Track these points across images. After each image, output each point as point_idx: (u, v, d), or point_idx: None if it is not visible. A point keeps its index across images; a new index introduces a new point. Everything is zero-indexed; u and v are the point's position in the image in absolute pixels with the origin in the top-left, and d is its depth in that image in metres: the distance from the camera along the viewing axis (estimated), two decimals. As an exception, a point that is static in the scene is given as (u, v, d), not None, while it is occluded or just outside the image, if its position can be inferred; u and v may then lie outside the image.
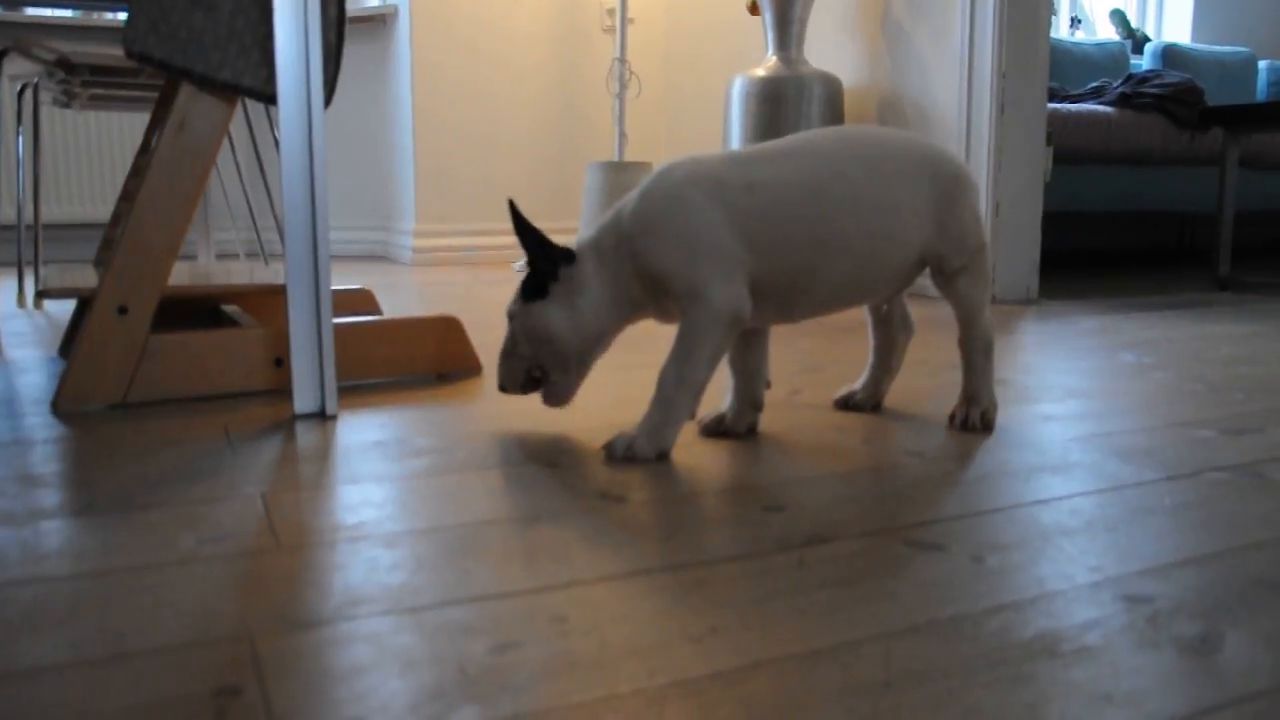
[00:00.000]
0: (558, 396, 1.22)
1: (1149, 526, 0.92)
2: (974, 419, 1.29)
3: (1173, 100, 3.54)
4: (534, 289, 1.17)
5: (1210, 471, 1.10)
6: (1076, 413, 1.39)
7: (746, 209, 1.12)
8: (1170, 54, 4.10)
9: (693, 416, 1.18)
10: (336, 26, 1.39)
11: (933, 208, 1.20)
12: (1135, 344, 1.95)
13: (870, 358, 1.39)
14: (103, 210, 3.99)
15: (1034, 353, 1.84)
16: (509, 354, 1.22)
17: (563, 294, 1.16)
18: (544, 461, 1.14)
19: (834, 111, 3.14)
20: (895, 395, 1.49)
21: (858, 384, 1.40)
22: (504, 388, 1.23)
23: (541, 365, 1.19)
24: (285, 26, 1.30)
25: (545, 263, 1.16)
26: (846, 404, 1.40)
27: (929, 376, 1.65)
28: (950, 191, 1.21)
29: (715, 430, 1.26)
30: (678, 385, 1.12)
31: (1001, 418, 1.36)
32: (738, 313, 1.11)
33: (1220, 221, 3.21)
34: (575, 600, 0.75)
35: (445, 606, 0.74)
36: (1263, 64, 4.40)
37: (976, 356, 1.29)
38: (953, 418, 1.31)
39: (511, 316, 1.20)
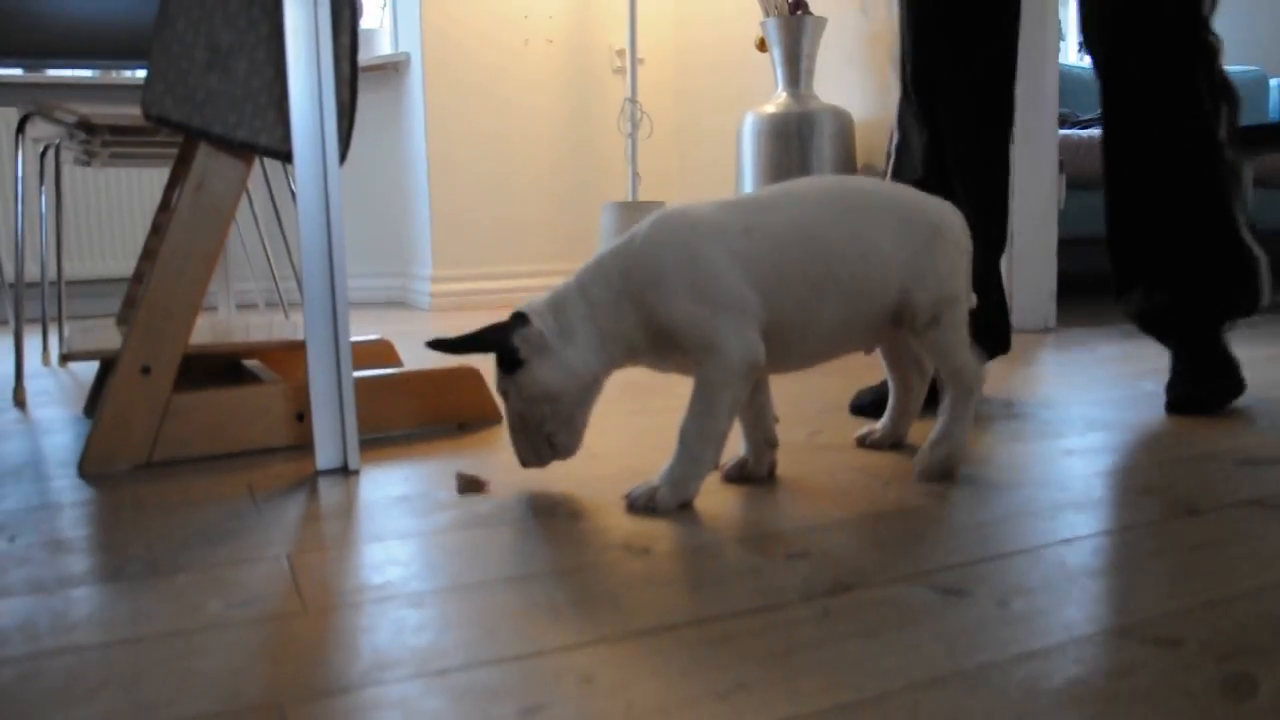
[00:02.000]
0: (566, 449, 1.21)
1: (1175, 565, 0.92)
2: (936, 461, 1.23)
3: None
4: (509, 361, 1.15)
5: (1234, 506, 1.09)
6: (1099, 446, 1.39)
7: (747, 252, 1.13)
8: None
9: (716, 467, 1.19)
10: (350, 84, 1.41)
11: (908, 255, 1.19)
12: (1156, 371, 1.94)
13: (890, 399, 1.39)
14: (124, 265, 4.03)
15: (1054, 384, 1.83)
16: (517, 429, 1.20)
17: (538, 351, 1.14)
18: (566, 513, 1.14)
19: (845, 145, 3.16)
20: (917, 436, 1.49)
21: (878, 424, 1.40)
22: (526, 463, 1.22)
23: (549, 428, 1.18)
24: (300, 86, 1.32)
25: (502, 345, 1.15)
26: (866, 444, 1.40)
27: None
28: (929, 240, 1.20)
29: (738, 477, 1.26)
30: (700, 439, 1.12)
31: (1024, 454, 1.36)
32: (754, 361, 1.12)
33: (1237, 242, 3.19)
34: (602, 658, 0.75)
35: (472, 668, 0.74)
36: (1274, 82, 4.40)
37: (955, 402, 1.24)
38: (915, 458, 1.26)
39: (504, 394, 1.18)
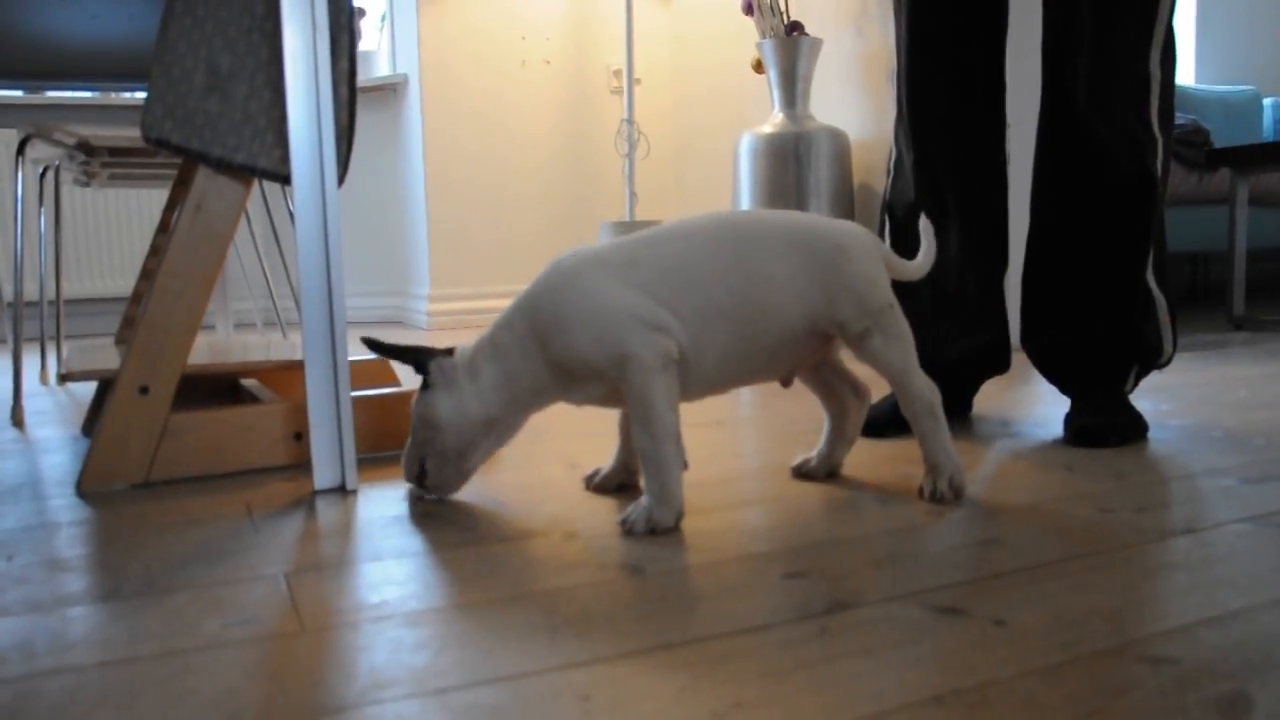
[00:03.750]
0: (437, 486, 1.28)
1: (1171, 584, 0.92)
2: (942, 490, 1.24)
3: (1179, 143, 3.56)
4: (423, 384, 1.25)
5: (1232, 524, 1.10)
6: (1095, 465, 1.39)
7: (632, 279, 1.17)
8: (1176, 95, 4.14)
9: (685, 465, 1.20)
10: (348, 107, 1.42)
11: (815, 279, 1.21)
12: (1152, 390, 1.95)
13: (825, 425, 1.37)
14: (123, 284, 4.04)
15: (1049, 403, 1.84)
16: (408, 445, 1.28)
17: (444, 383, 1.22)
18: (563, 532, 1.14)
19: (842, 165, 3.17)
20: (910, 453, 1.49)
21: (813, 452, 1.38)
22: (405, 476, 1.29)
23: (425, 454, 1.25)
24: (298, 109, 1.33)
25: (412, 363, 1.24)
26: (801, 473, 1.38)
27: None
28: (834, 260, 1.22)
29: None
30: (655, 445, 1.13)
31: (1021, 473, 1.36)
32: (665, 352, 1.14)
33: (1232, 261, 3.21)
34: (599, 678, 0.75)
35: (470, 688, 0.74)
36: (1267, 101, 4.43)
37: (922, 421, 1.26)
38: (921, 491, 1.26)
39: (412, 410, 1.26)
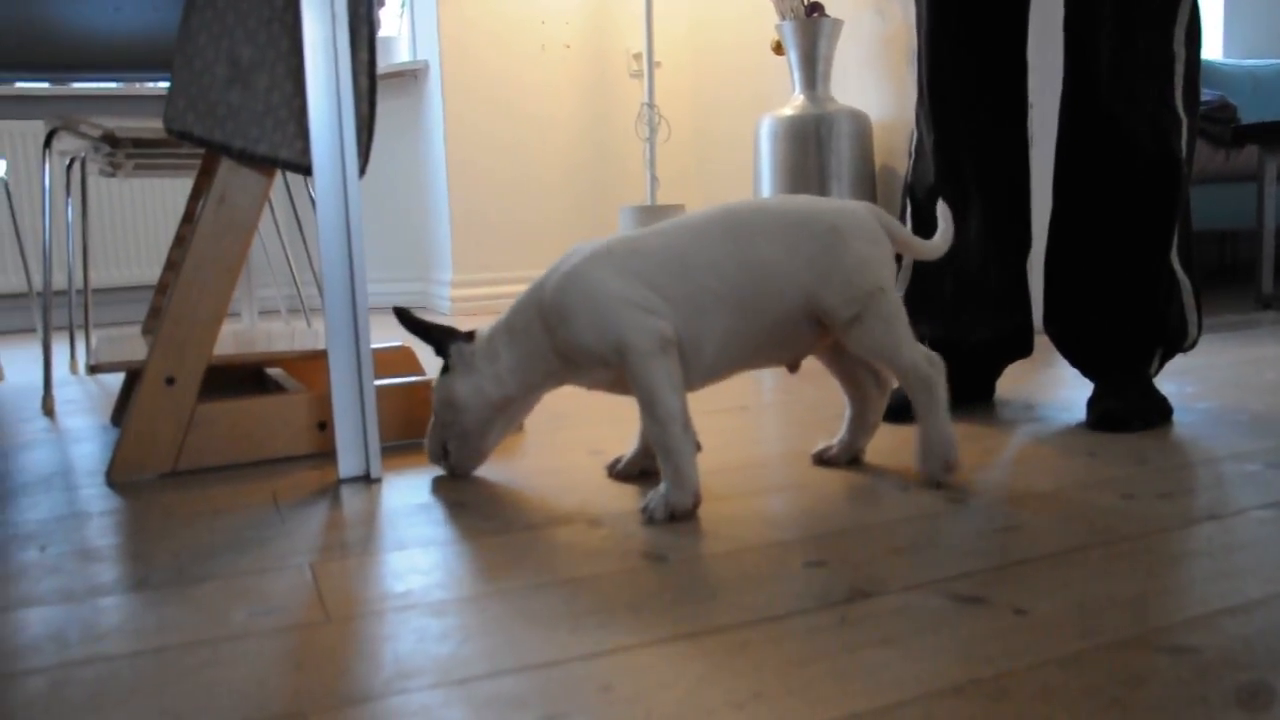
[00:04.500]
0: (460, 465, 1.35)
1: (1194, 571, 0.92)
2: (934, 471, 1.23)
3: (1205, 119, 3.51)
4: (444, 366, 1.31)
5: (1256, 509, 1.09)
6: (1118, 449, 1.38)
7: (632, 269, 1.19)
8: (1201, 71, 4.08)
9: (699, 447, 1.21)
10: (369, 98, 1.42)
11: (807, 261, 1.21)
12: (1177, 372, 1.93)
13: (847, 412, 1.37)
14: (149, 272, 4.08)
15: (1073, 386, 1.83)
16: (431, 426, 1.34)
17: (464, 367, 1.28)
18: (587, 520, 1.15)
19: (863, 147, 3.15)
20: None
21: (835, 439, 1.38)
22: (431, 458, 1.36)
23: (448, 436, 1.32)
24: (319, 100, 1.34)
25: (434, 344, 1.31)
26: (822, 459, 1.38)
27: (960, 421, 1.64)
28: (829, 244, 1.22)
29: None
30: (663, 431, 1.15)
31: (1043, 459, 1.36)
32: (662, 336, 1.16)
33: (1260, 239, 3.18)
34: (620, 667, 0.76)
35: (494, 677, 0.75)
36: (1296, 77, 4.36)
37: (917, 395, 1.23)
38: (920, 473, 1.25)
39: (434, 392, 1.33)
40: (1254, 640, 0.76)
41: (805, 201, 1.27)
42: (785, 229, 1.23)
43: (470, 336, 1.30)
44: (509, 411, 1.31)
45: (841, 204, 1.28)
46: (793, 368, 1.32)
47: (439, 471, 1.39)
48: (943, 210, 1.36)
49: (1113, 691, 0.69)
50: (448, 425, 1.31)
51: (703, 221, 1.25)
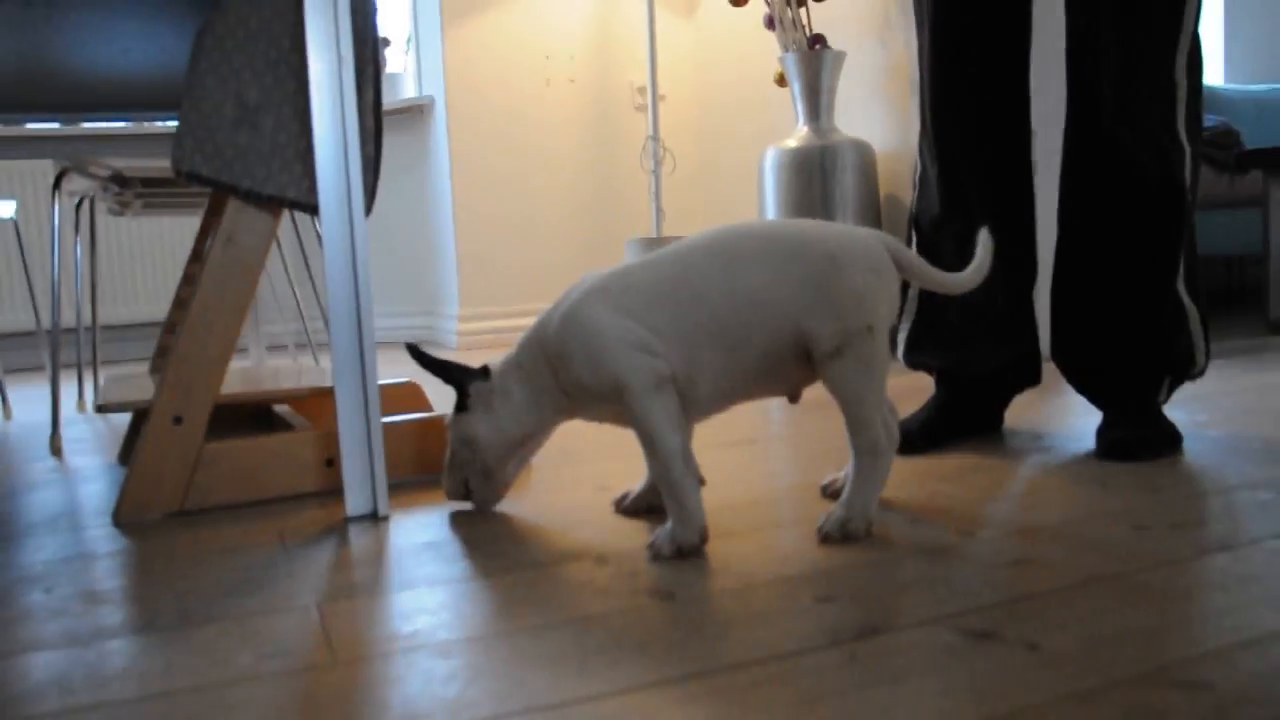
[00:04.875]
0: (482, 498, 1.36)
1: (1208, 604, 0.91)
2: (830, 530, 1.17)
3: (1209, 145, 3.52)
4: (459, 404, 1.30)
5: (1270, 539, 1.08)
6: (1129, 479, 1.37)
7: (626, 306, 1.18)
8: (1204, 97, 4.09)
9: (702, 480, 1.21)
10: (375, 138, 1.43)
11: (799, 289, 1.17)
12: (1186, 400, 1.92)
13: (850, 445, 1.30)
14: (157, 309, 4.09)
15: (1082, 416, 1.82)
16: (448, 464, 1.34)
17: (482, 405, 1.28)
18: (594, 557, 1.14)
19: (867, 177, 3.16)
20: (941, 470, 1.48)
21: (842, 472, 1.37)
22: (448, 494, 1.36)
23: (468, 474, 1.33)
24: (325, 140, 1.35)
25: (454, 383, 1.30)
26: (830, 492, 1.37)
27: (968, 452, 1.64)
28: (823, 271, 1.17)
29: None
30: (665, 468, 1.14)
31: (1053, 489, 1.35)
32: (657, 373, 1.15)
33: (1267, 264, 3.17)
34: (629, 708, 0.75)
35: (501, 719, 0.75)
36: (1299, 102, 4.37)
37: (860, 459, 1.19)
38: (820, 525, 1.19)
39: (448, 430, 1.33)
40: (1270, 675, 0.75)
41: (804, 226, 1.23)
42: (775, 255, 1.19)
43: (486, 374, 1.29)
44: (526, 447, 1.33)
45: (847, 231, 1.23)
46: (793, 398, 1.29)
47: (446, 509, 1.39)
48: (983, 239, 1.31)
49: (1128, 729, 0.68)
50: (467, 463, 1.31)
51: (689, 250, 1.22)
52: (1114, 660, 0.79)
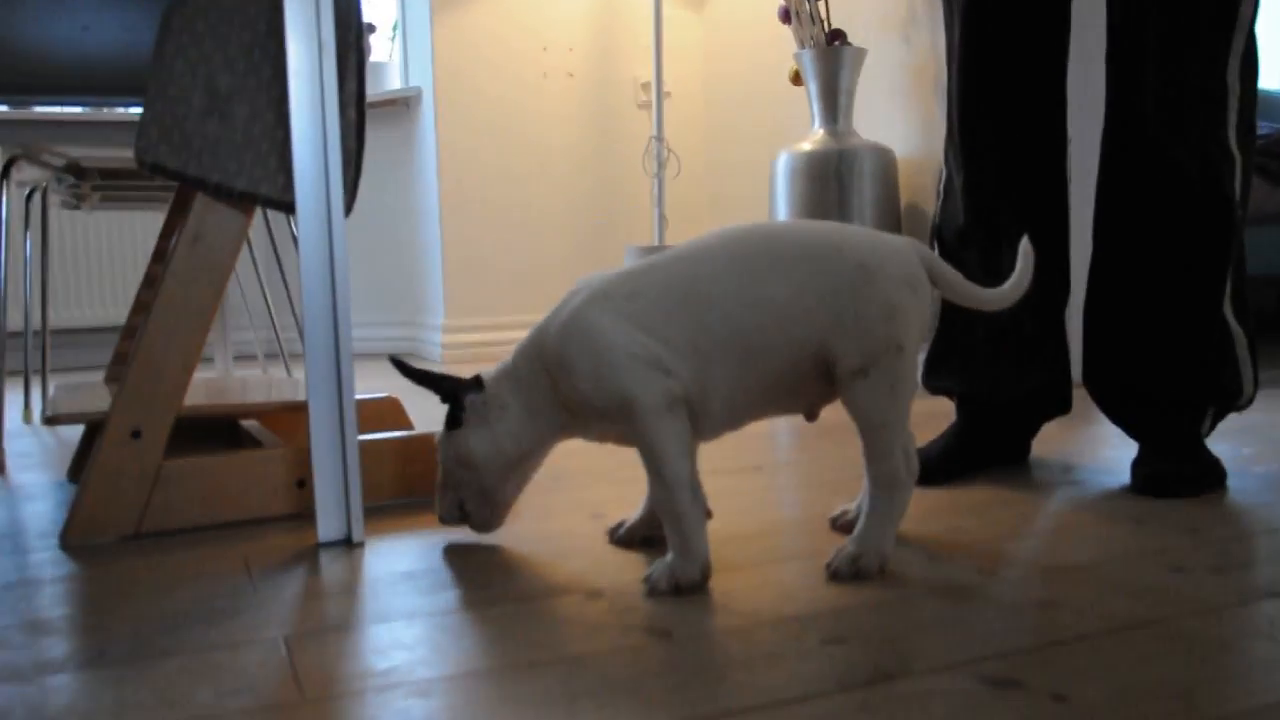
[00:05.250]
0: (482, 523, 1.33)
1: (1251, 656, 0.91)
2: (841, 567, 1.17)
3: (1263, 154, 3.53)
4: (451, 420, 1.28)
5: (1317, 586, 1.09)
6: (1167, 517, 1.38)
7: (632, 314, 1.17)
8: (1260, 102, 4.11)
9: (709, 514, 1.20)
10: (357, 132, 1.44)
11: (824, 300, 1.16)
12: (1232, 432, 1.93)
13: (866, 474, 1.29)
14: (114, 313, 4.10)
15: (1116, 447, 1.83)
16: (441, 485, 1.32)
17: (477, 420, 1.26)
18: (585, 591, 1.15)
19: (887, 185, 3.18)
20: (961, 504, 1.49)
21: (854, 503, 1.38)
22: (442, 518, 1.33)
23: (464, 495, 1.30)
24: (303, 133, 1.35)
25: (446, 396, 1.28)
26: (840, 525, 1.37)
27: (992, 484, 1.64)
28: (852, 282, 1.16)
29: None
30: (670, 496, 1.14)
31: (1084, 526, 1.35)
32: (667, 393, 1.14)
33: (1319, 288, 3.18)
34: (621, 756, 0.76)
35: (481, 766, 0.75)
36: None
37: (877, 491, 1.20)
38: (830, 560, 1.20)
39: (440, 447, 1.30)
40: (1316, 733, 0.76)
41: (832, 231, 1.22)
42: (802, 261, 1.18)
43: (480, 385, 1.27)
44: (527, 464, 1.30)
45: (879, 238, 1.22)
46: (810, 416, 1.29)
47: (426, 536, 1.39)
48: (1024, 249, 1.31)
49: (1162, 789, 0.68)
50: (462, 484, 1.29)
51: (702, 254, 1.21)
52: (1146, 715, 0.80)
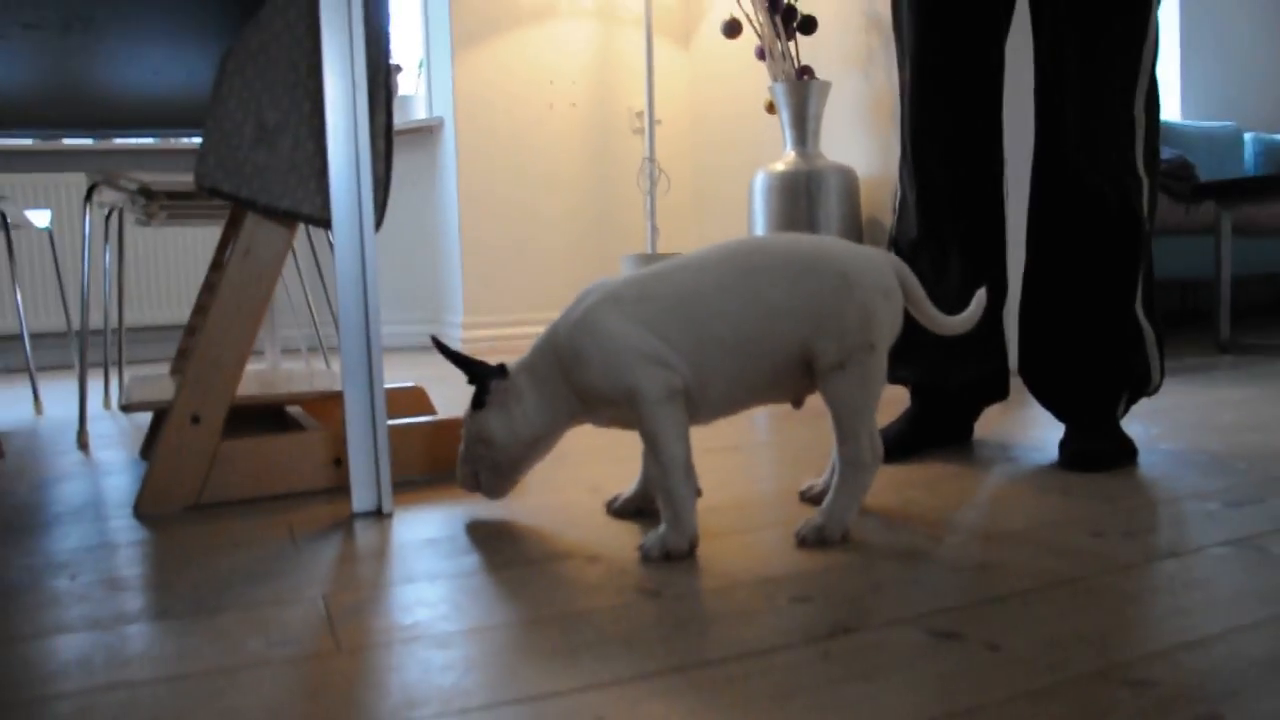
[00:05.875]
0: (491, 491, 1.33)
1: (1155, 608, 0.91)
2: (807, 534, 1.17)
3: (1167, 176, 3.54)
4: (477, 400, 1.27)
5: (1214, 547, 1.09)
6: (1088, 489, 1.38)
7: (640, 316, 1.17)
8: (1161, 131, 4.12)
9: (699, 493, 1.19)
10: (385, 158, 1.43)
11: (812, 305, 1.16)
12: (1143, 415, 1.93)
13: (834, 451, 1.28)
14: (178, 313, 4.09)
15: (1047, 428, 1.83)
16: (462, 456, 1.32)
17: (499, 404, 1.26)
18: (585, 556, 1.15)
19: (850, 201, 3.17)
20: (913, 478, 1.49)
21: (820, 478, 1.38)
22: (460, 484, 1.34)
23: (480, 469, 1.31)
24: (339, 160, 1.35)
25: (475, 379, 1.27)
26: (808, 498, 1.37)
27: (940, 461, 1.64)
28: (835, 289, 1.16)
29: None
30: (667, 476, 1.14)
31: (1018, 498, 1.35)
32: (669, 386, 1.14)
33: (1218, 288, 3.19)
34: (614, 699, 0.76)
35: (493, 708, 0.75)
36: (1248, 136, 4.39)
37: (844, 470, 1.19)
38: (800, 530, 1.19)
39: (465, 423, 1.30)
40: (1209, 674, 0.76)
41: (819, 244, 1.21)
42: (791, 270, 1.18)
43: (504, 372, 1.26)
44: (539, 447, 1.29)
45: (861, 251, 1.22)
46: (797, 404, 1.28)
47: (448, 507, 1.39)
48: (979, 297, 1.32)
49: (1079, 726, 0.69)
50: (480, 459, 1.29)
51: (709, 262, 1.20)
52: (1068, 660, 0.80)
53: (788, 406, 1.30)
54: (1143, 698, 0.72)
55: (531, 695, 0.77)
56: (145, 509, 1.40)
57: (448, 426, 1.59)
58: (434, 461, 1.58)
